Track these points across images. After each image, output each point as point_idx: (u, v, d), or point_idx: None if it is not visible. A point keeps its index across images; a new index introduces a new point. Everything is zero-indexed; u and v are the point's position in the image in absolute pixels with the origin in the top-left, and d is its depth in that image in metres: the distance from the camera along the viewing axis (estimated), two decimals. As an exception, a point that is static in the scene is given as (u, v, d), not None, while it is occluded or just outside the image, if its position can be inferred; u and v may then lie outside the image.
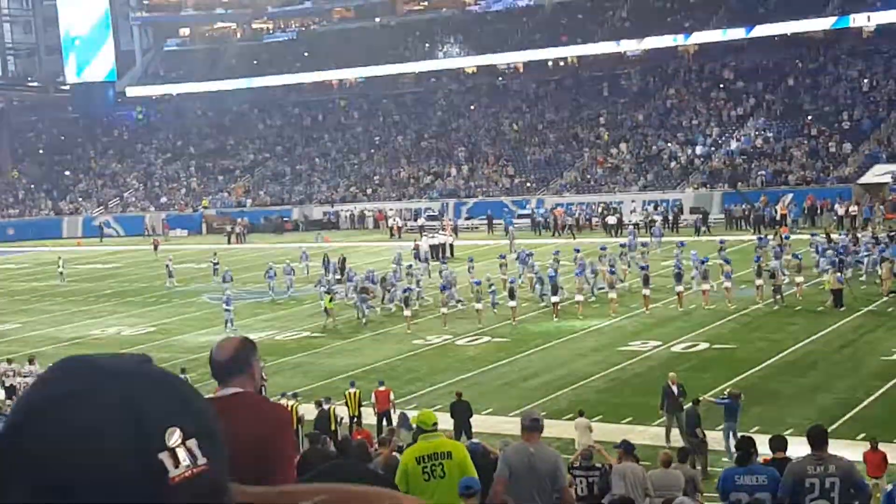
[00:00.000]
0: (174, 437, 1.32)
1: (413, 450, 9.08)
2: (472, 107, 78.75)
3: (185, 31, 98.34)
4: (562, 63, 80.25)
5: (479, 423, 21.54)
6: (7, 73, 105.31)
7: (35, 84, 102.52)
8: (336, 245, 54.28)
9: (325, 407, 22.05)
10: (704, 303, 34.01)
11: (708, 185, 59.92)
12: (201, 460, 1.34)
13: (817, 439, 9.06)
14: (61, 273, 52.58)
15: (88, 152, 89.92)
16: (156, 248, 60.41)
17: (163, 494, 1.30)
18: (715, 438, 19.56)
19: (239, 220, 68.95)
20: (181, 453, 1.32)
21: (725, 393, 20.67)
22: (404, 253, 45.89)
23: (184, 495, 1.32)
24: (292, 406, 21.01)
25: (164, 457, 1.30)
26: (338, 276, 43.15)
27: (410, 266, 41.47)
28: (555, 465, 9.00)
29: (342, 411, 22.60)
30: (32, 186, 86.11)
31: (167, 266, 48.18)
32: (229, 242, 63.86)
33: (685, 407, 20.25)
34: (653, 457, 16.46)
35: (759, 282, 34.34)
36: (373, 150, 77.37)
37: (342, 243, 56.38)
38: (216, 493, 1.37)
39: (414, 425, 12.66)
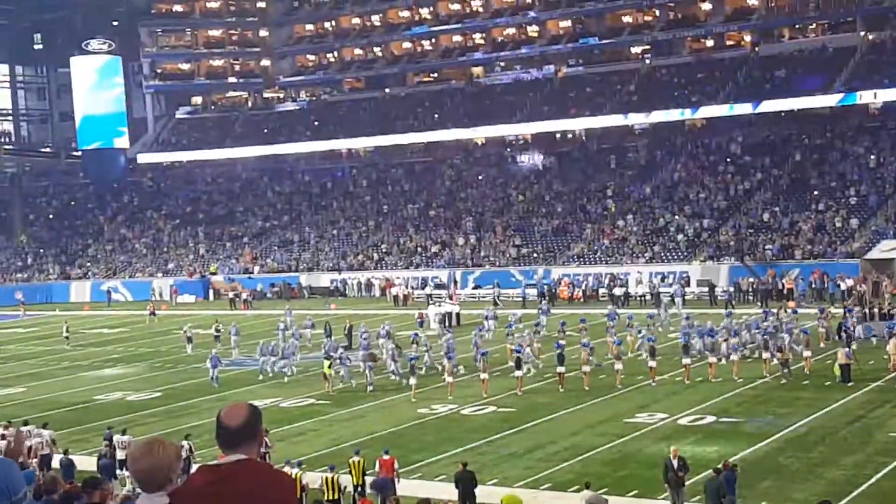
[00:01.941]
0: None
1: None
2: (480, 177, 79.21)
3: (196, 100, 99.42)
4: (570, 135, 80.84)
5: (483, 493, 21.39)
6: (20, 138, 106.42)
7: (48, 150, 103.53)
8: (342, 313, 54.23)
9: (330, 475, 21.96)
10: (711, 375, 33.91)
11: (715, 258, 59.98)
12: None
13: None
14: (67, 337, 52.65)
15: (98, 218, 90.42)
16: (153, 314, 60.49)
17: None
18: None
19: (243, 287, 69.20)
20: None
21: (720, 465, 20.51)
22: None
23: None
24: (296, 474, 20.91)
25: None
26: (344, 344, 43.16)
27: (416, 335, 41.44)
28: None
29: (346, 479, 22.46)
30: (41, 250, 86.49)
31: (185, 333, 48.06)
32: (232, 308, 63.67)
33: (709, 478, 20.11)
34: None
35: (765, 355, 34.25)
36: (381, 219, 77.72)
37: (349, 310, 56.31)
38: None
39: None
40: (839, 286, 51.60)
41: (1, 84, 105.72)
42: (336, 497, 21.52)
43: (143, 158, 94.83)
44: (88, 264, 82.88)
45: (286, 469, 20.61)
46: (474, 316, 50.12)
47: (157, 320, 59.50)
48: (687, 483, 21.60)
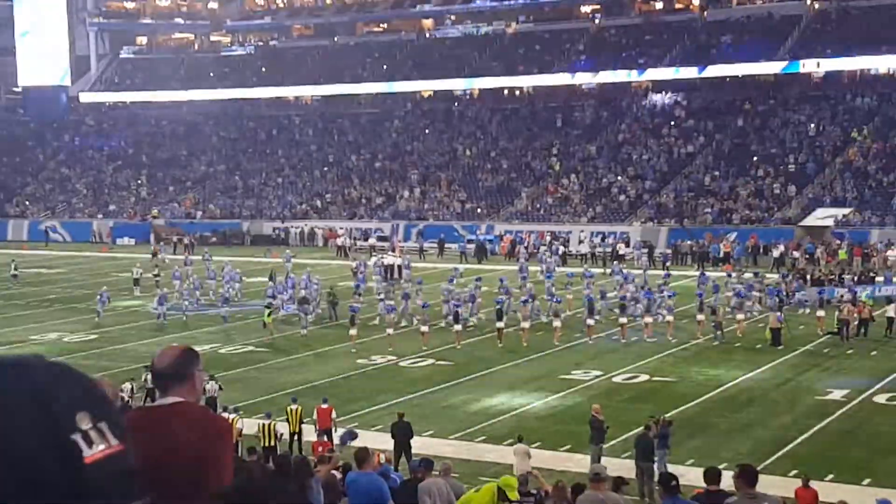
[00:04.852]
0: (85, 421, 1.40)
1: None
2: (426, 130, 79.12)
3: (142, 40, 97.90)
4: (517, 92, 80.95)
5: (419, 444, 21.72)
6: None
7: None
8: (282, 261, 54.16)
9: (267, 422, 22.15)
10: (647, 335, 34.52)
11: (655, 220, 60.69)
12: (114, 441, 1.43)
13: (749, 477, 9.26)
14: (15, 276, 52.10)
15: (38, 156, 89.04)
16: (154, 255, 59.45)
17: (79, 474, 1.37)
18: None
19: (185, 232, 68.73)
20: (93, 435, 1.40)
21: (655, 419, 20.97)
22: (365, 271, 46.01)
23: (99, 475, 1.39)
24: (233, 420, 21.02)
25: (76, 438, 1.38)
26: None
27: (357, 286, 41.61)
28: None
29: (282, 427, 22.66)
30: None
31: (133, 275, 48.06)
32: (174, 252, 62.96)
33: (639, 434, 20.56)
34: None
35: (700, 317, 34.91)
36: (326, 169, 77.41)
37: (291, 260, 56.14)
38: (130, 474, 1.45)
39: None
40: (772, 252, 52.42)
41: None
42: (272, 444, 21.69)
43: (86, 98, 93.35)
44: (27, 203, 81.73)
45: (223, 415, 20.73)
46: (418, 269, 50.33)
47: (164, 260, 57.40)
48: (618, 439, 22.13)
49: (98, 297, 41.45)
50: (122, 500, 1.43)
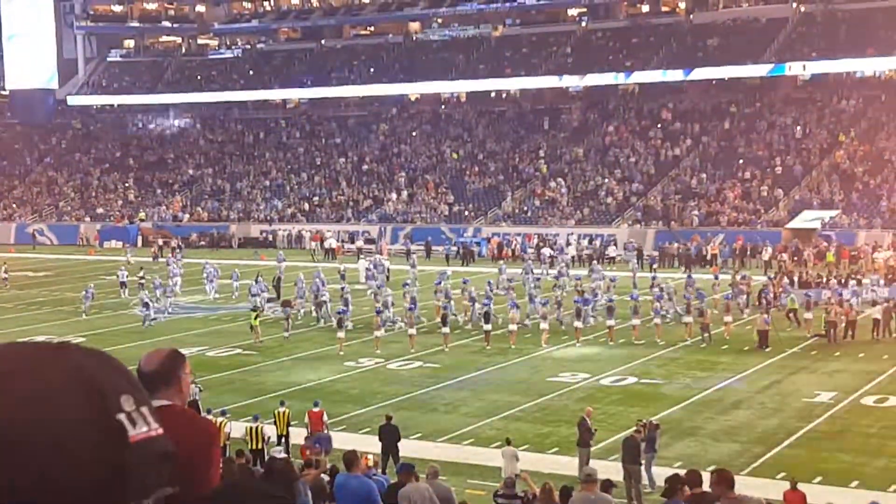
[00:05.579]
0: (129, 403, 1.44)
1: None
2: (413, 133, 79.14)
3: (129, 43, 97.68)
4: (504, 95, 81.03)
5: (406, 447, 21.71)
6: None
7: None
8: (272, 264, 54.07)
9: (254, 425, 22.11)
10: (634, 337, 34.57)
11: (642, 223, 60.80)
12: (154, 425, 1.47)
13: (728, 482, 9.26)
14: (5, 279, 52.02)
15: (25, 159, 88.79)
16: (155, 258, 59.45)
17: (123, 452, 1.41)
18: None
19: (172, 235, 68.56)
20: (136, 417, 1.44)
21: (643, 423, 21.01)
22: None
23: (143, 454, 1.43)
24: (220, 423, 20.97)
25: (122, 418, 1.42)
26: (272, 295, 43.32)
27: (344, 288, 41.55)
28: None
29: (270, 430, 22.62)
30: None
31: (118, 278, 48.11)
32: (155, 259, 61.72)
33: (626, 437, 20.58)
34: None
35: (687, 319, 34.98)
36: (313, 171, 77.37)
37: (279, 263, 56.07)
38: (169, 458, 1.49)
39: None
40: (761, 254, 52.57)
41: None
42: (259, 447, 21.65)
43: (73, 100, 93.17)
44: (14, 206, 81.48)
45: (210, 418, 20.68)
46: (405, 271, 50.30)
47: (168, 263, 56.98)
48: (606, 442, 22.17)
49: (84, 292, 41.66)
50: (158, 483, 1.47)
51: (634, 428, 20.58)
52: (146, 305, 39.90)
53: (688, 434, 23.88)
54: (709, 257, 53.77)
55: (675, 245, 55.92)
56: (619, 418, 24.40)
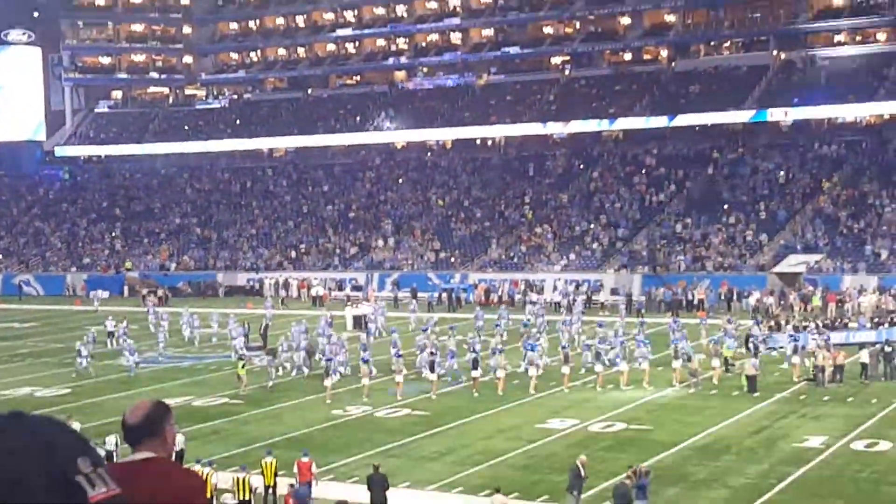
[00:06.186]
0: (86, 465, 1.48)
1: None
2: (400, 181, 79.40)
3: (116, 94, 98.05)
4: (489, 142, 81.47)
5: (395, 496, 21.59)
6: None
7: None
8: (259, 312, 53.98)
9: (242, 475, 21.96)
10: (623, 383, 34.53)
11: (628, 268, 60.96)
12: (112, 485, 1.51)
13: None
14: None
15: (12, 210, 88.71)
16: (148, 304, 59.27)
17: None
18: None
19: (159, 284, 68.41)
20: (94, 478, 1.48)
21: (634, 470, 20.95)
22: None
23: None
24: (207, 474, 20.84)
25: (80, 479, 1.46)
26: (259, 344, 43.20)
27: (330, 337, 41.47)
28: None
29: (257, 481, 22.46)
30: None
31: (107, 328, 47.92)
32: (144, 304, 61.21)
33: (617, 483, 20.53)
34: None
35: (675, 364, 34.99)
36: (300, 219, 77.47)
37: (266, 311, 55.99)
38: None
39: None
40: (747, 298, 52.72)
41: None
42: (247, 498, 21.51)
43: (61, 151, 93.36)
44: (0, 256, 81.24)
45: (196, 468, 20.57)
46: (391, 318, 50.29)
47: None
48: (596, 488, 22.09)
49: (84, 339, 41.39)
50: None
51: (625, 474, 20.53)
52: (132, 354, 39.79)
53: (679, 479, 23.81)
54: (695, 302, 53.90)
55: (661, 290, 56.05)
56: (610, 464, 24.31)
